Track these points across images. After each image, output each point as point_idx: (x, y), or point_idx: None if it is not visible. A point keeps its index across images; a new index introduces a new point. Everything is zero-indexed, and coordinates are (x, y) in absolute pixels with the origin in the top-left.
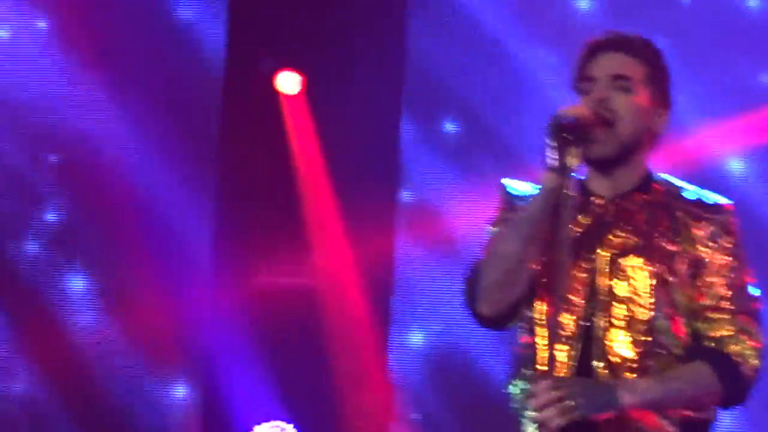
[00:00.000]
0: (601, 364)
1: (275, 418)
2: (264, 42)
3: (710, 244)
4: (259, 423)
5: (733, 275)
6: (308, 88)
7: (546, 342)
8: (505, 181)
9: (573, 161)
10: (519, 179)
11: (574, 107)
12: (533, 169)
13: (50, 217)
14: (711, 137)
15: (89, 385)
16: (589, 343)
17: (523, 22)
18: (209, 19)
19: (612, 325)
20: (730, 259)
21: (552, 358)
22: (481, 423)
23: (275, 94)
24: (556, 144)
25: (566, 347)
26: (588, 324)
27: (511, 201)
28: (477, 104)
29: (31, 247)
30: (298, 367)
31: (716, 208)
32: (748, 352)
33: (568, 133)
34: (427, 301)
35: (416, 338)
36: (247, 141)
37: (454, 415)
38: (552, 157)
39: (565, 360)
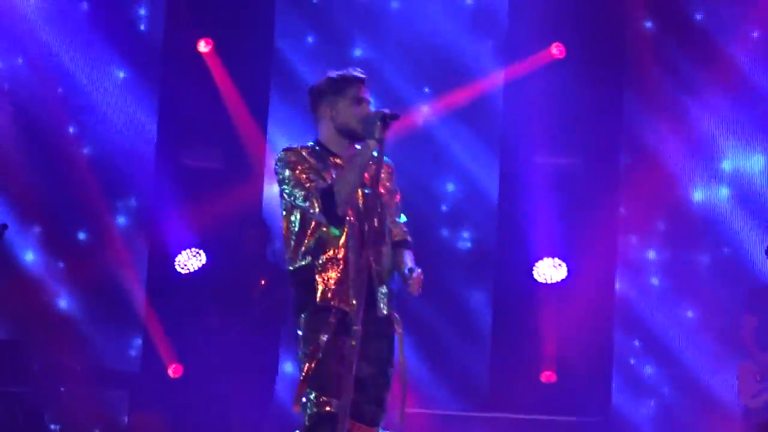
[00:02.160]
0: (372, 235)
1: (193, 247)
2: (189, 21)
3: (393, 186)
4: (182, 250)
5: (399, 204)
6: (216, 47)
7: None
8: (293, 149)
9: (384, 137)
10: (295, 147)
11: (390, 112)
12: None
13: None
14: None
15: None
16: (369, 227)
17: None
18: None
19: (378, 218)
20: (398, 194)
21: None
22: None
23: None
24: (382, 127)
25: (356, 225)
26: (364, 214)
27: (305, 158)
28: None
29: None
30: (209, 214)
31: (391, 166)
32: (411, 239)
33: (390, 122)
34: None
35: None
36: (182, 79)
37: None
38: (379, 134)
39: (358, 232)
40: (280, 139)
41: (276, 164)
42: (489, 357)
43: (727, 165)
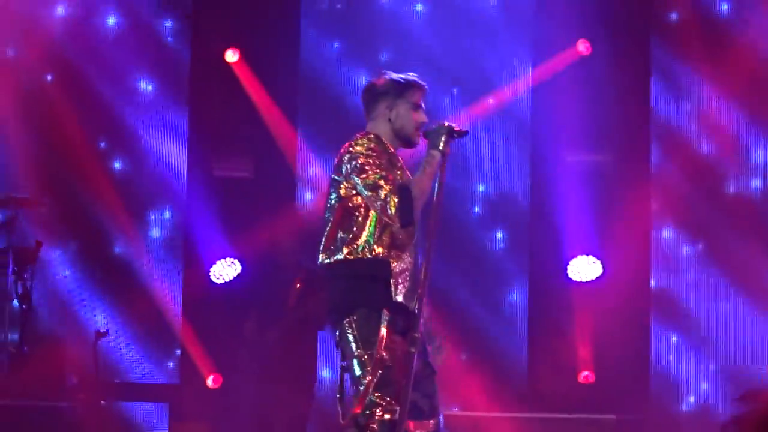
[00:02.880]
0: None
1: (228, 256)
2: (216, 32)
3: None
4: (217, 260)
5: None
6: (243, 57)
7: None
8: (374, 137)
9: (447, 150)
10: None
11: (459, 128)
12: None
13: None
14: None
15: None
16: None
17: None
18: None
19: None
20: None
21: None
22: None
23: (224, 62)
24: (447, 141)
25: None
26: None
27: (382, 152)
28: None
29: None
30: (243, 223)
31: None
32: None
33: (455, 136)
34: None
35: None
36: (210, 90)
37: None
38: (443, 146)
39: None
40: (309, 146)
41: (355, 147)
42: (527, 357)
43: (758, 156)
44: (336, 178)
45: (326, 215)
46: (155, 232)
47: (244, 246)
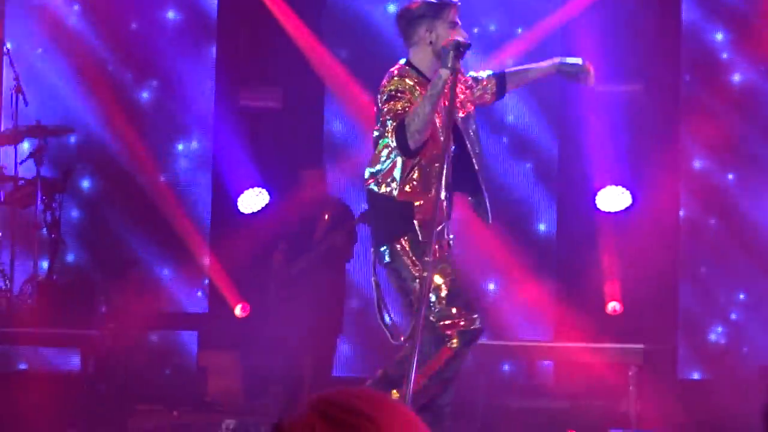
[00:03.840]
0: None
1: (255, 186)
2: None
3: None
4: (245, 190)
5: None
6: None
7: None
8: (402, 76)
9: (457, 66)
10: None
11: (464, 39)
12: None
13: None
14: None
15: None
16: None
17: None
18: None
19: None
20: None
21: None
22: None
23: None
24: (455, 56)
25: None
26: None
27: (410, 88)
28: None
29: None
30: (271, 153)
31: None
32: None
33: (464, 51)
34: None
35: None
36: (237, 20)
37: None
38: (452, 63)
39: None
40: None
41: (387, 85)
42: (555, 287)
43: None
44: (376, 110)
45: (373, 139)
46: (183, 163)
47: (272, 176)
